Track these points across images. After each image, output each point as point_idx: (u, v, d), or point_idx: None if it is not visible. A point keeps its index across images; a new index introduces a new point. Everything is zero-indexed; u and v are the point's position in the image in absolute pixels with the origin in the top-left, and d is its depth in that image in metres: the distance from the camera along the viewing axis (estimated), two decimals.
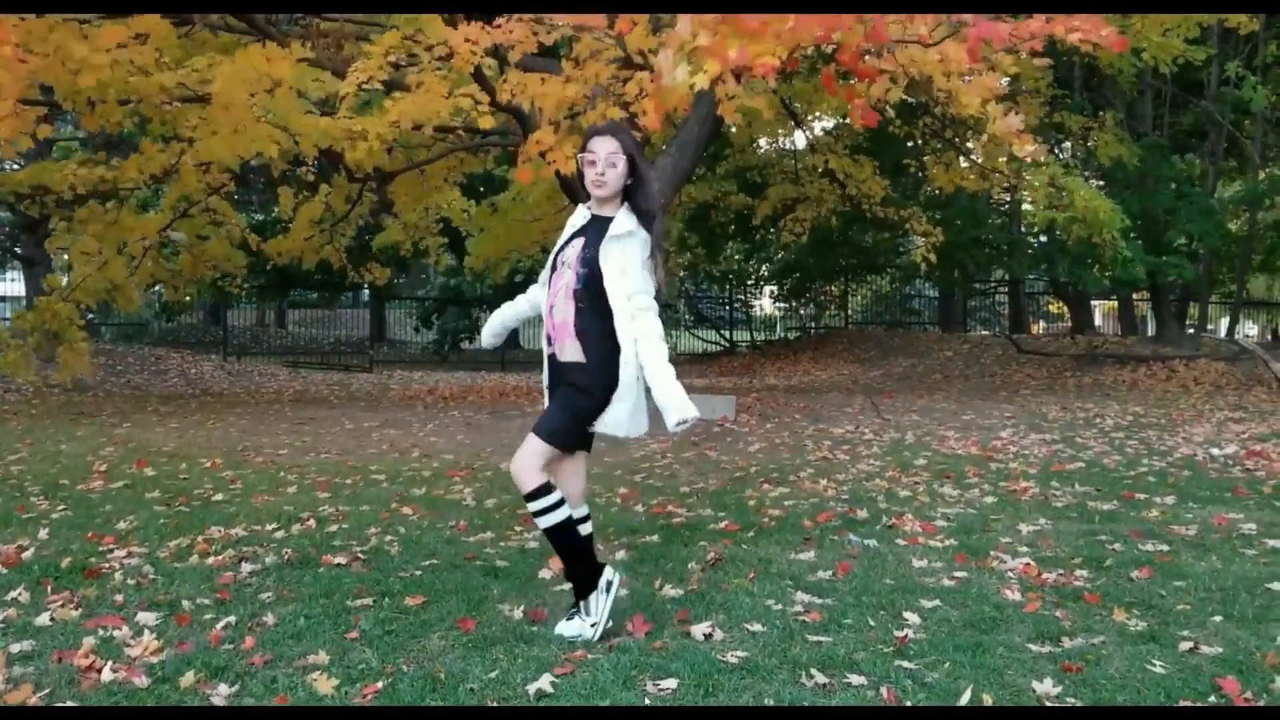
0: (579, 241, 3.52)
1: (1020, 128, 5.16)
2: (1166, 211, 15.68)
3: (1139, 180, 15.91)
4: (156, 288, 23.01)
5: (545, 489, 3.45)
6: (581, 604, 3.54)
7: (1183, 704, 2.96)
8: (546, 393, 3.64)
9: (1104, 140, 15.10)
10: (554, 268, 3.56)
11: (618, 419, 3.46)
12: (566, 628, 3.52)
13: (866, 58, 4.49)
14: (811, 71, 12.38)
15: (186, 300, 25.21)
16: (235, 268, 14.21)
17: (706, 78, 4.16)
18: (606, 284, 3.41)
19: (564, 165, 7.41)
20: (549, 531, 3.50)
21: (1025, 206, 12.39)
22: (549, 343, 3.55)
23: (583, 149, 3.53)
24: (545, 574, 4.31)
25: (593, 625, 3.49)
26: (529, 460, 3.47)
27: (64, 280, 11.96)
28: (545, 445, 3.47)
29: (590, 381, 3.45)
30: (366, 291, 30.16)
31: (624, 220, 3.49)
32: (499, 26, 6.52)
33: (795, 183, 16.76)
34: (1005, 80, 11.49)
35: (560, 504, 3.47)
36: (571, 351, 3.47)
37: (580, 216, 3.61)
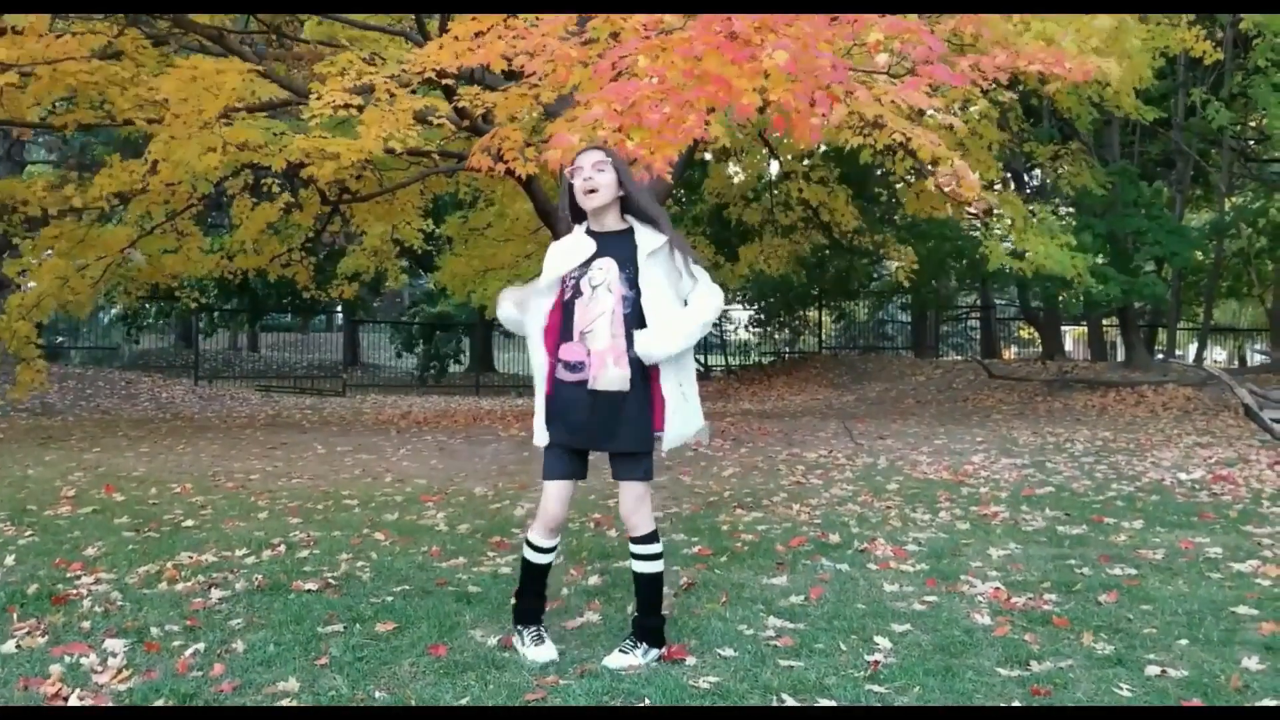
0: (609, 263, 3.44)
1: (969, 175, 5.28)
2: (1137, 234, 15.86)
3: (1108, 207, 16.11)
4: (115, 305, 22.89)
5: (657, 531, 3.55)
6: (643, 644, 3.53)
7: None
8: (547, 423, 3.48)
9: (1071, 170, 15.32)
10: (577, 292, 3.45)
11: (682, 431, 3.50)
12: (614, 659, 3.48)
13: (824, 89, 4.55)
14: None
15: (145, 314, 25.08)
16: (194, 277, 14.22)
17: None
18: (646, 296, 3.42)
19: (521, 167, 7.46)
20: (655, 577, 3.55)
21: (987, 243, 12.45)
22: (574, 370, 3.43)
23: (570, 165, 3.53)
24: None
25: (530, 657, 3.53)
26: (639, 505, 3.50)
27: (19, 298, 11.83)
28: (649, 485, 3.53)
29: (641, 409, 3.44)
30: (340, 315, 30.04)
31: (650, 237, 3.48)
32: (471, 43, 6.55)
33: (769, 214, 16.84)
34: (969, 120, 11.63)
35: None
36: (614, 380, 3.39)
37: (585, 241, 3.49)
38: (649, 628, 3.55)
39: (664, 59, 4.43)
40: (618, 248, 3.47)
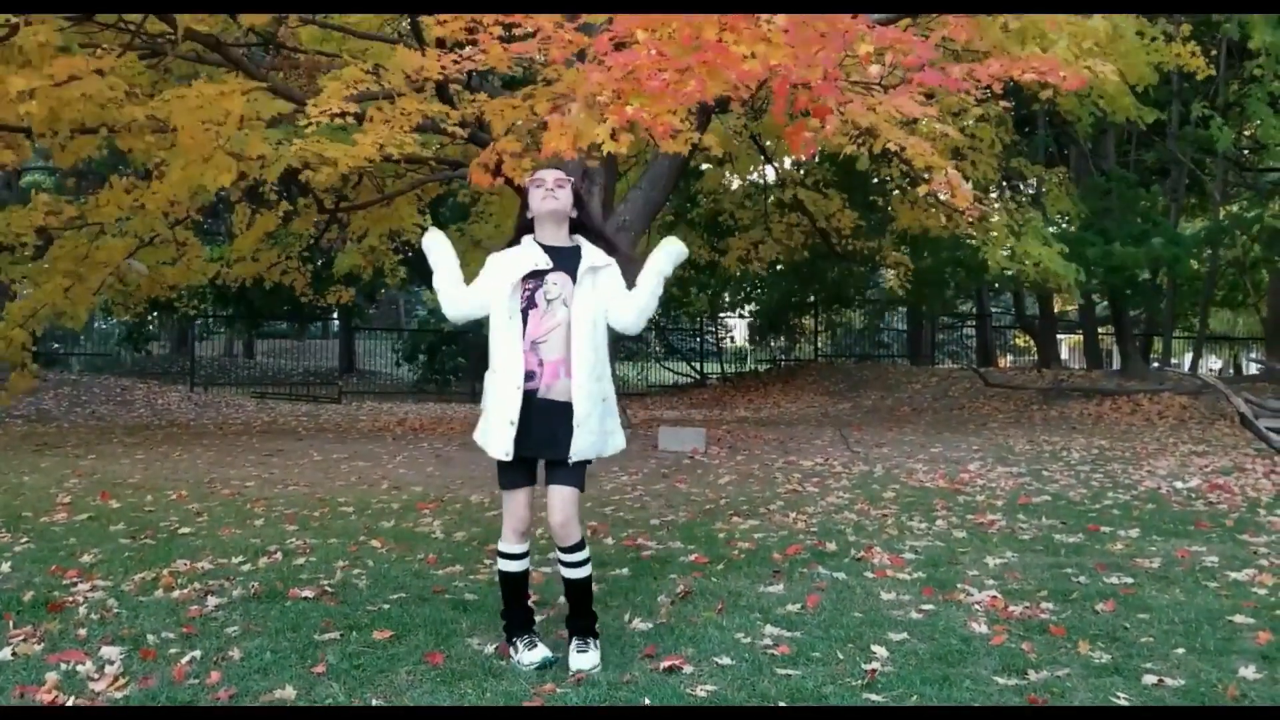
0: (564, 278, 3.55)
1: (963, 184, 5.30)
2: (1135, 239, 15.83)
3: (1102, 215, 16.12)
4: (112, 318, 22.83)
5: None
6: (592, 640, 3.61)
7: None
8: (513, 429, 3.48)
9: (1053, 195, 15.41)
10: (531, 303, 3.53)
11: (592, 445, 3.56)
12: (585, 660, 3.53)
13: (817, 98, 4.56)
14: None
15: (145, 327, 25.05)
16: (192, 286, 14.24)
17: (606, 128, 4.30)
18: (575, 310, 3.52)
19: (519, 177, 7.49)
20: (589, 580, 3.64)
21: (984, 250, 12.49)
22: (526, 379, 3.50)
23: (528, 179, 3.67)
24: None
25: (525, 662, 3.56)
26: (576, 512, 3.57)
27: (18, 305, 11.80)
28: (580, 495, 3.61)
29: (586, 416, 3.51)
30: (336, 322, 29.98)
31: (594, 254, 3.62)
32: (469, 48, 6.56)
33: (764, 220, 16.89)
34: (965, 125, 11.63)
35: None
36: (563, 390, 3.50)
37: (539, 252, 3.58)
38: (590, 624, 3.64)
39: (662, 31, 4.45)
40: (567, 264, 3.59)
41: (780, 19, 4.20)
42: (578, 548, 3.58)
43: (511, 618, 3.67)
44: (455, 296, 3.66)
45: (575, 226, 3.68)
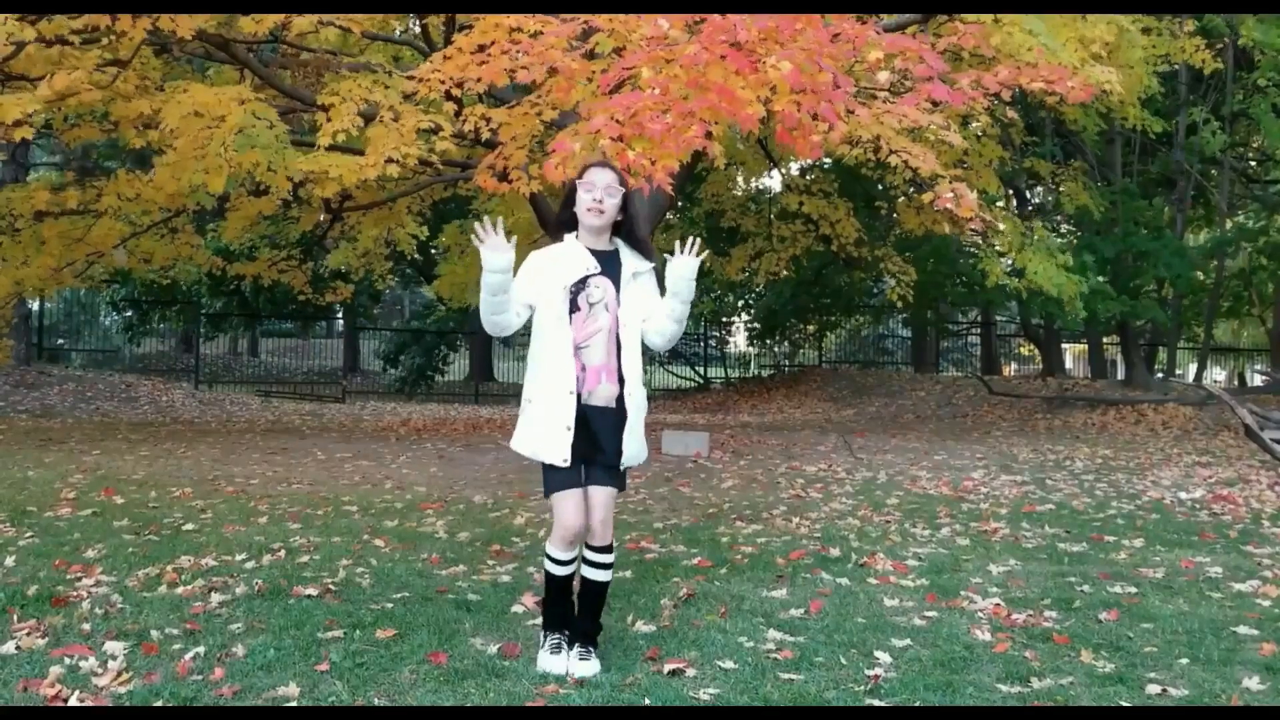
0: (605, 282, 3.51)
1: (968, 196, 5.34)
2: (1140, 254, 15.84)
3: (1108, 225, 16.11)
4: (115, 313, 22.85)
5: None
6: (594, 647, 3.60)
7: None
8: (570, 434, 3.44)
9: (1071, 190, 15.35)
10: (574, 307, 3.49)
11: (638, 452, 3.59)
12: (586, 667, 3.51)
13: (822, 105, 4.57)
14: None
15: (146, 321, 25.08)
16: (187, 279, 14.29)
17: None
18: (623, 316, 3.50)
19: (524, 186, 7.49)
20: (607, 586, 3.66)
21: (989, 258, 12.42)
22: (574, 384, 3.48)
23: (579, 177, 3.56)
24: (518, 608, 4.30)
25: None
26: (612, 513, 3.59)
27: None
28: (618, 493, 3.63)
29: (634, 422, 3.52)
30: (340, 322, 30.01)
31: (634, 260, 3.57)
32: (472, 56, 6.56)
33: (767, 226, 16.87)
34: (968, 136, 11.59)
35: None
36: (606, 395, 3.48)
37: (583, 252, 3.53)
38: (595, 632, 3.64)
39: (667, 70, 4.46)
40: (608, 268, 3.54)
41: (785, 65, 4.19)
42: (608, 549, 3.58)
43: (550, 613, 3.64)
44: (500, 318, 3.53)
45: (615, 229, 3.59)
